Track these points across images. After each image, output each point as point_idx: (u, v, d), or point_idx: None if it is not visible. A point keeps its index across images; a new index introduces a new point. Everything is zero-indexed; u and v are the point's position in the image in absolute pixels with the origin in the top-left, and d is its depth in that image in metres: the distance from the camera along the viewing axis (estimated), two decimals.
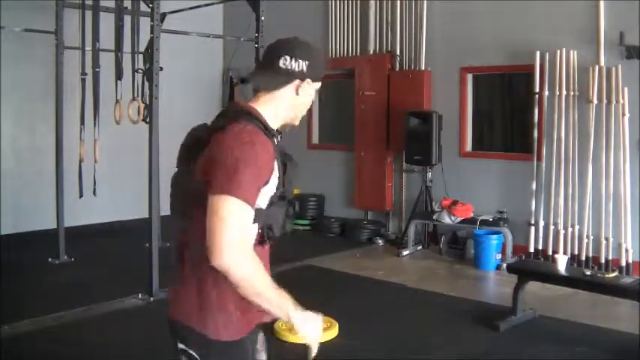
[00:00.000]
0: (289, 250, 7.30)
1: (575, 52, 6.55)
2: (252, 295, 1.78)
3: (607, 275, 4.78)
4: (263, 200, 1.83)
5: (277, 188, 1.88)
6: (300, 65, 1.92)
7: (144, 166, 5.57)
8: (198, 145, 1.86)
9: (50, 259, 6.57)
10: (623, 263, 6.22)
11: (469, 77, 7.57)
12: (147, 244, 5.60)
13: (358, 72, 8.35)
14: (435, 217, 7.20)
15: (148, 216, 5.61)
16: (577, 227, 6.52)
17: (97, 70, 6.27)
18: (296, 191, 9.44)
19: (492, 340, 4.65)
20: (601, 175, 6.38)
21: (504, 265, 6.34)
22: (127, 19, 6.21)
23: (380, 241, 7.90)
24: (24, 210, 7.81)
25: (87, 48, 6.33)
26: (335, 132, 9.14)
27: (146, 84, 6.03)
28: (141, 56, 6.21)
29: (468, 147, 7.63)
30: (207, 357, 1.87)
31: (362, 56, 8.44)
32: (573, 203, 6.55)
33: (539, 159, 6.83)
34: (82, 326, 4.82)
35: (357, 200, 8.47)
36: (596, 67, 6.38)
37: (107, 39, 6.18)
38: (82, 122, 6.42)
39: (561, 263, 4.86)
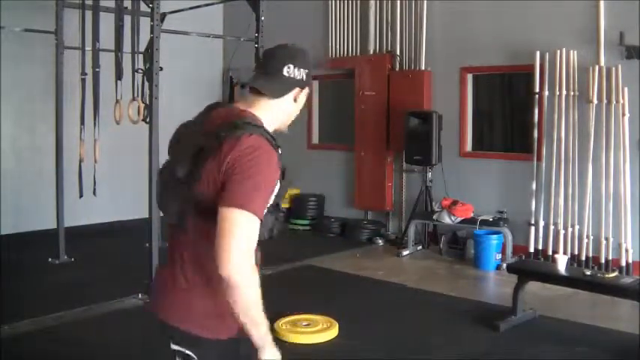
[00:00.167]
0: (289, 250, 7.31)
1: (575, 52, 6.55)
2: (243, 307, 1.79)
3: (607, 275, 4.78)
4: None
5: (276, 196, 1.94)
6: (301, 74, 2.00)
7: (144, 166, 5.57)
8: (205, 152, 1.85)
9: (50, 259, 6.57)
10: (623, 263, 6.22)
11: (469, 77, 7.57)
12: (147, 244, 5.59)
13: (358, 72, 8.35)
14: (435, 217, 7.20)
15: (148, 216, 5.61)
16: (577, 227, 6.52)
17: (97, 70, 6.27)
18: (296, 191, 9.51)
19: (492, 340, 4.65)
20: (601, 175, 6.38)
21: (504, 265, 6.34)
22: (127, 19, 6.20)
23: (380, 241, 7.90)
24: (24, 210, 7.81)
25: (87, 48, 6.33)
26: (335, 132, 9.14)
27: (146, 84, 6.02)
28: (141, 56, 6.20)
29: (468, 147, 7.63)
30: (205, 356, 1.90)
31: (362, 56, 8.44)
32: (573, 203, 6.56)
33: (539, 159, 6.83)
34: (82, 326, 4.82)
35: (357, 200, 8.47)
36: (596, 67, 6.38)
37: (107, 39, 6.18)
38: (82, 122, 6.42)
39: (561, 263, 4.86)
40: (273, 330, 4.55)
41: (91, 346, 4.38)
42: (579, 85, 6.53)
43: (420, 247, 7.51)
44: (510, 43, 7.06)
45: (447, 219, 7.06)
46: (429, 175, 7.58)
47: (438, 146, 7.43)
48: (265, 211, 1.87)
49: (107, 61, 6.26)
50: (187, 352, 1.90)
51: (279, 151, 1.99)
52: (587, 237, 6.45)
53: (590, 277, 4.69)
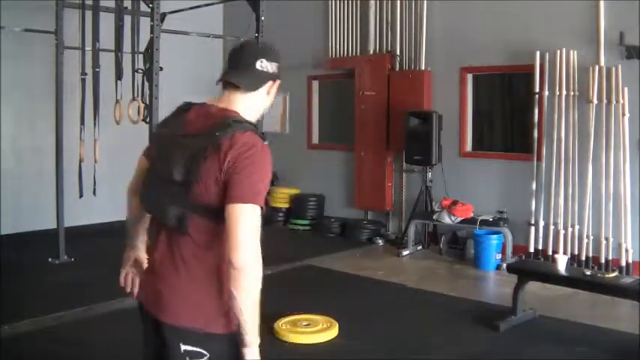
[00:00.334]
0: (289, 250, 7.32)
1: (575, 52, 6.55)
2: (253, 296, 1.89)
3: (607, 275, 4.78)
4: None
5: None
6: (273, 67, 2.08)
7: None
8: (202, 153, 1.90)
9: (50, 259, 6.56)
10: (623, 263, 6.22)
11: (469, 77, 7.57)
12: None
13: (358, 72, 8.35)
14: (435, 217, 7.20)
15: None
16: (577, 227, 6.52)
17: (97, 70, 6.28)
18: (296, 191, 9.52)
19: (492, 340, 4.65)
20: (601, 175, 6.38)
21: (504, 265, 6.33)
22: (127, 19, 6.21)
23: (380, 241, 7.90)
24: (24, 210, 7.81)
25: (87, 48, 6.33)
26: (335, 132, 9.14)
27: (146, 84, 6.03)
28: (141, 56, 6.21)
29: (468, 147, 7.63)
30: (217, 351, 1.96)
31: (362, 56, 8.43)
32: (573, 203, 6.55)
33: (539, 159, 6.83)
34: (82, 326, 4.82)
35: (357, 200, 8.47)
36: (596, 67, 6.38)
37: (107, 39, 6.18)
38: (82, 122, 6.42)
39: (561, 263, 4.86)
40: (273, 330, 4.59)
41: (91, 346, 4.38)
42: (579, 85, 6.53)
43: (420, 247, 7.51)
44: (510, 43, 7.06)
45: (447, 219, 7.06)
46: (429, 175, 7.57)
47: (438, 146, 7.43)
48: None
49: (107, 61, 6.27)
50: (200, 350, 1.94)
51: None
52: (587, 237, 6.45)
53: (590, 277, 4.68)
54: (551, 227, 6.68)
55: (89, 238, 7.60)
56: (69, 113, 6.76)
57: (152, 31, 5.58)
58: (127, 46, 6.17)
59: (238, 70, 2.06)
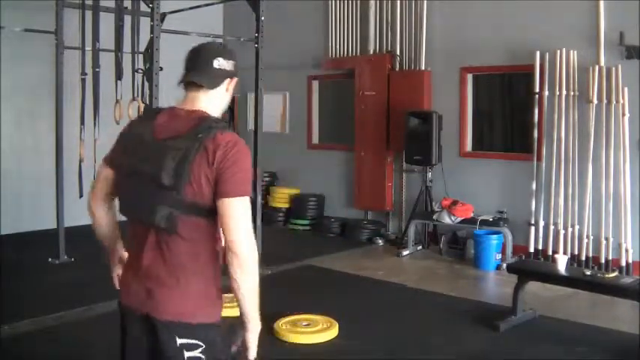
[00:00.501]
0: (289, 250, 7.33)
1: (575, 52, 6.55)
2: (254, 279, 2.04)
3: (607, 275, 4.78)
4: None
5: None
6: (230, 65, 2.20)
7: None
8: (190, 155, 2.00)
9: (50, 259, 6.56)
10: (623, 263, 6.22)
11: (469, 77, 7.57)
12: None
13: (358, 72, 8.35)
14: (435, 217, 7.20)
15: None
16: (577, 227, 6.52)
17: (97, 70, 6.27)
18: (296, 191, 9.53)
19: (492, 340, 4.65)
20: (601, 175, 6.38)
21: (504, 265, 6.34)
22: (127, 19, 6.20)
23: (380, 241, 7.90)
24: (24, 210, 7.81)
25: (87, 48, 6.33)
26: (335, 132, 9.14)
27: (146, 84, 6.03)
28: (141, 56, 6.21)
29: (468, 147, 7.63)
30: (211, 340, 2.08)
31: (362, 56, 8.43)
32: (573, 203, 6.55)
33: (539, 159, 6.83)
34: (82, 326, 4.82)
35: (357, 200, 8.47)
36: (596, 67, 6.38)
37: (107, 39, 6.18)
38: (82, 122, 6.41)
39: (561, 263, 4.86)
40: (273, 330, 4.59)
41: (91, 346, 4.37)
42: (579, 85, 6.53)
43: (420, 247, 7.51)
44: (510, 43, 7.06)
45: (447, 219, 7.06)
46: (429, 175, 7.57)
47: (438, 146, 7.43)
48: None
49: (107, 61, 6.26)
50: (195, 341, 2.04)
51: None
52: (587, 237, 6.45)
53: (590, 277, 4.68)
54: (551, 227, 6.68)
55: (89, 238, 7.47)
56: (69, 113, 6.76)
57: (152, 31, 5.58)
58: (127, 46, 6.17)
59: (197, 71, 2.16)
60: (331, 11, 8.77)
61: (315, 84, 9.20)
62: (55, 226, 6.66)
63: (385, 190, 8.11)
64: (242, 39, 7.05)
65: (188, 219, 2.03)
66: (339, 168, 8.81)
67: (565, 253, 6.41)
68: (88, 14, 6.26)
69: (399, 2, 8.05)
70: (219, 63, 2.16)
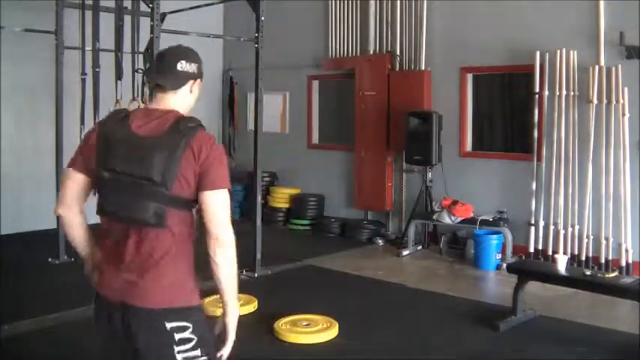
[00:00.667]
0: (289, 250, 7.32)
1: (575, 52, 6.55)
2: (234, 268, 2.22)
3: (607, 275, 4.78)
4: None
5: None
6: (193, 68, 2.35)
7: None
8: (176, 152, 2.14)
9: (50, 259, 6.56)
10: (623, 263, 6.22)
11: (469, 77, 7.57)
12: None
13: (358, 72, 8.35)
14: (435, 217, 7.20)
15: None
16: (577, 227, 6.52)
17: (97, 70, 6.27)
18: (296, 191, 9.53)
19: (492, 340, 4.65)
20: (601, 175, 6.38)
21: (504, 265, 6.33)
22: (127, 19, 6.20)
23: (380, 241, 7.90)
24: (24, 210, 7.81)
25: (87, 48, 6.33)
26: (335, 132, 9.14)
27: (146, 84, 6.02)
28: (141, 56, 6.20)
29: (468, 147, 7.63)
30: (197, 321, 2.21)
31: (362, 56, 8.44)
32: (573, 203, 6.56)
33: (539, 159, 6.83)
34: (82, 326, 4.81)
35: (357, 200, 8.47)
36: (596, 67, 6.38)
37: (107, 39, 6.18)
38: (82, 122, 6.41)
39: (561, 263, 4.86)
40: (273, 330, 4.59)
41: (91, 346, 4.37)
42: (579, 85, 6.53)
43: (420, 247, 7.51)
44: (510, 43, 7.06)
45: (447, 219, 7.06)
46: (429, 175, 7.57)
47: (438, 146, 7.43)
48: None
49: (107, 61, 6.26)
50: (184, 323, 2.17)
51: None
52: (587, 237, 6.45)
53: (590, 277, 4.69)
54: (551, 227, 6.68)
55: None
56: (69, 113, 6.76)
57: (152, 31, 5.58)
58: (127, 46, 6.17)
59: (162, 73, 2.32)
60: (331, 11, 8.77)
61: (315, 84, 9.20)
62: (55, 226, 6.65)
63: (385, 190, 8.11)
64: (242, 39, 7.05)
65: (173, 212, 2.17)
66: (339, 168, 8.81)
67: (565, 253, 6.41)
68: (88, 14, 6.26)
69: (399, 2, 8.05)
70: (182, 66, 2.31)
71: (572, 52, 6.56)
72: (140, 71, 6.15)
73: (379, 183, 8.15)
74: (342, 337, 4.59)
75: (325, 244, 7.89)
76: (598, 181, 6.40)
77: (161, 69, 2.34)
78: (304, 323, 4.70)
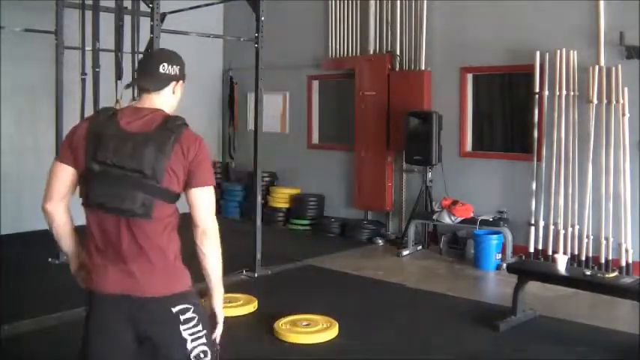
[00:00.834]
0: (289, 250, 7.32)
1: (575, 52, 6.55)
2: (219, 252, 2.37)
3: (607, 275, 4.78)
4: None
5: None
6: (175, 70, 2.46)
7: None
8: (166, 148, 2.25)
9: (50, 259, 6.56)
10: (623, 263, 6.22)
11: (469, 77, 7.57)
12: None
13: (358, 72, 8.36)
14: (435, 217, 7.20)
15: None
16: (577, 227, 6.52)
17: (97, 70, 6.27)
18: (296, 191, 9.53)
19: (492, 340, 4.65)
20: (601, 175, 6.38)
21: (504, 265, 6.34)
22: (127, 19, 6.20)
23: (380, 241, 7.90)
24: (24, 210, 7.80)
25: (87, 48, 6.33)
26: (335, 132, 9.14)
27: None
28: (141, 56, 6.20)
29: (468, 147, 7.63)
30: (195, 302, 2.39)
31: (362, 56, 8.44)
32: (573, 203, 6.56)
33: (539, 159, 6.83)
34: (82, 326, 4.81)
35: (357, 200, 8.47)
36: (596, 67, 6.38)
37: (107, 39, 6.18)
38: None
39: (561, 263, 4.86)
40: (273, 330, 4.59)
41: None
42: (579, 85, 6.53)
43: (420, 247, 7.51)
44: (510, 43, 7.06)
45: (447, 219, 7.06)
46: (429, 175, 7.57)
47: (438, 146, 7.43)
48: None
49: (107, 61, 6.26)
50: (186, 305, 2.34)
51: None
52: (587, 237, 6.45)
53: (590, 277, 4.69)
54: (551, 227, 6.68)
55: None
56: (69, 113, 6.74)
57: (152, 31, 5.58)
58: (127, 46, 6.17)
59: (145, 75, 2.44)
60: (331, 11, 8.77)
61: (315, 84, 9.20)
62: None
63: (385, 190, 8.11)
64: (242, 39, 7.05)
65: (161, 204, 2.28)
66: (339, 168, 8.81)
67: (565, 253, 6.41)
68: (88, 14, 6.26)
69: (399, 2, 8.05)
70: (164, 68, 2.43)
71: (572, 52, 6.56)
72: None
73: (379, 183, 8.15)
74: (342, 337, 4.59)
75: (325, 244, 7.89)
76: (598, 181, 6.40)
77: (144, 71, 2.47)
78: (304, 323, 4.70)
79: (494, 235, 6.72)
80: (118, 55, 6.13)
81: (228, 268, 6.59)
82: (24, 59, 7.77)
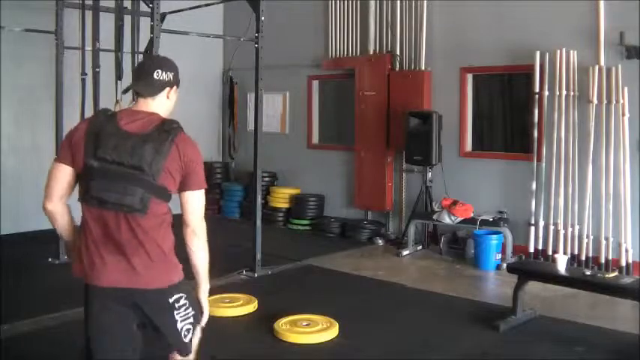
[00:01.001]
0: (289, 250, 7.32)
1: (575, 52, 6.55)
2: (206, 250, 2.58)
3: (607, 275, 4.78)
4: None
5: None
6: (169, 76, 2.59)
7: None
8: (164, 149, 2.39)
9: (50, 259, 6.56)
10: (623, 263, 6.22)
11: (469, 77, 7.57)
12: None
13: (358, 72, 8.36)
14: (435, 217, 7.20)
15: None
16: (577, 227, 6.53)
17: (97, 70, 6.27)
18: (296, 191, 9.53)
19: (492, 340, 4.65)
20: (601, 175, 6.38)
21: (504, 265, 6.34)
22: (127, 19, 6.20)
23: (380, 241, 7.90)
24: (24, 210, 7.80)
25: (87, 48, 6.33)
26: (335, 132, 9.14)
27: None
28: (141, 56, 6.20)
29: (468, 147, 7.63)
30: (189, 291, 2.62)
31: (362, 56, 8.44)
32: (573, 203, 6.56)
33: (539, 159, 6.83)
34: (82, 326, 4.81)
35: (357, 200, 8.47)
36: (596, 67, 6.39)
37: (107, 39, 6.18)
38: None
39: (561, 263, 4.86)
40: (273, 330, 4.58)
41: None
42: (579, 85, 6.53)
43: (420, 247, 7.51)
44: (510, 43, 7.06)
45: (447, 219, 7.06)
46: (429, 175, 7.57)
47: (438, 146, 7.43)
48: None
49: (107, 61, 6.26)
50: (179, 294, 2.56)
51: None
52: (587, 237, 6.46)
53: (590, 277, 4.69)
54: (551, 227, 6.68)
55: None
56: (69, 113, 6.74)
57: (152, 31, 5.58)
58: (127, 46, 6.17)
59: (140, 81, 2.57)
60: (331, 11, 8.77)
61: (315, 84, 9.20)
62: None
63: (385, 190, 8.12)
64: (242, 39, 7.05)
65: (156, 201, 2.42)
66: (339, 168, 8.81)
67: (565, 253, 6.42)
68: (88, 14, 6.26)
69: (399, 2, 8.05)
70: (158, 74, 2.55)
71: (572, 52, 6.56)
72: None
73: (379, 183, 8.15)
74: (342, 337, 4.59)
75: (325, 244, 7.89)
76: (598, 181, 6.40)
77: (139, 77, 2.59)
78: (304, 323, 4.70)
79: (494, 235, 6.72)
80: (118, 55, 6.13)
81: (229, 268, 6.60)
82: (24, 59, 7.78)
